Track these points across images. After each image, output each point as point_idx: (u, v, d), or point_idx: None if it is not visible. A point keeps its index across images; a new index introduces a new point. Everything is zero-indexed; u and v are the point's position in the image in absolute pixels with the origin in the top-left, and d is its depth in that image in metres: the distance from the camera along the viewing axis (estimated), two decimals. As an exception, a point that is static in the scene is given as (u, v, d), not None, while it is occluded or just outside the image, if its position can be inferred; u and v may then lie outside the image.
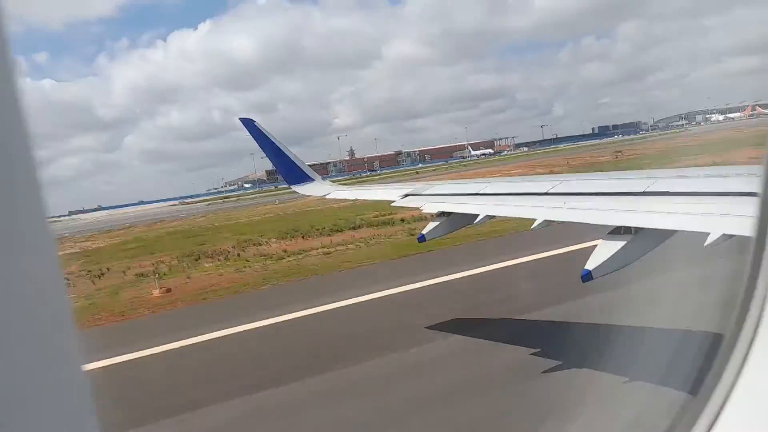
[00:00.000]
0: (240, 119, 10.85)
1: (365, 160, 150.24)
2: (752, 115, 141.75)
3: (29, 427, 0.66)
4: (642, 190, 5.56)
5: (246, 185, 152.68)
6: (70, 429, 0.72)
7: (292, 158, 10.97)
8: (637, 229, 5.31)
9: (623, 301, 7.77)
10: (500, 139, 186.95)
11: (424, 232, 8.32)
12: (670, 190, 5.30)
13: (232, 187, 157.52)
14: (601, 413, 5.41)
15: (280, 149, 10.86)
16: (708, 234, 4.39)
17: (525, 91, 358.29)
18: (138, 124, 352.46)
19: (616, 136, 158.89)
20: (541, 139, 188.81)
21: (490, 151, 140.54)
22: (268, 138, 10.74)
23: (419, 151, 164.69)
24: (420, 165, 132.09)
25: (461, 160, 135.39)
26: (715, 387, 1.19)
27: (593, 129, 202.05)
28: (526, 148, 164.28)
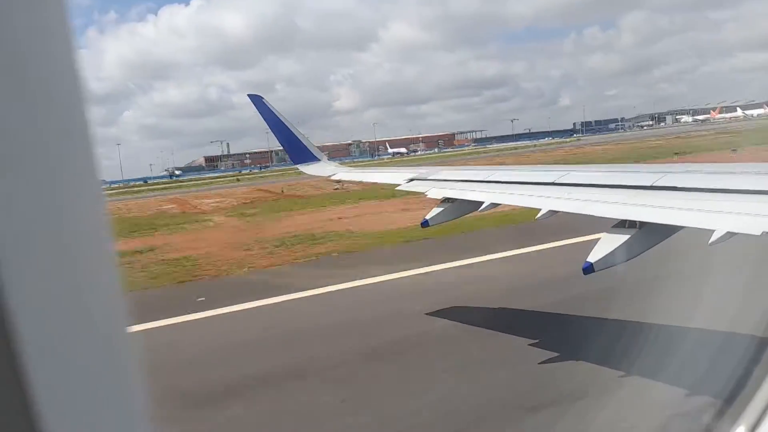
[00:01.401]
0: (248, 95, 10.80)
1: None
2: (717, 118, 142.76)
3: (74, 392, 0.66)
4: (650, 184, 5.52)
5: (177, 172, 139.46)
6: (116, 398, 0.71)
7: (299, 137, 10.96)
8: (642, 224, 5.29)
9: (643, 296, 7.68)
10: (462, 132, 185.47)
11: (427, 217, 8.31)
12: (678, 185, 5.25)
13: (162, 174, 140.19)
14: (629, 413, 5.40)
15: (287, 127, 10.84)
16: (713, 231, 4.36)
17: (529, 80, 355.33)
18: (134, 99, 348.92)
19: (576, 134, 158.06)
20: (510, 133, 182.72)
21: (404, 150, 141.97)
22: (276, 115, 10.71)
23: (369, 142, 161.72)
24: (371, 158, 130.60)
25: (371, 158, 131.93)
26: (760, 386, 1.18)
27: (574, 124, 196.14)
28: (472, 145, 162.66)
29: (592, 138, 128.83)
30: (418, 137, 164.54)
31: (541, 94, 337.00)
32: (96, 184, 0.71)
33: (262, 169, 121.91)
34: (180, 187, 78.33)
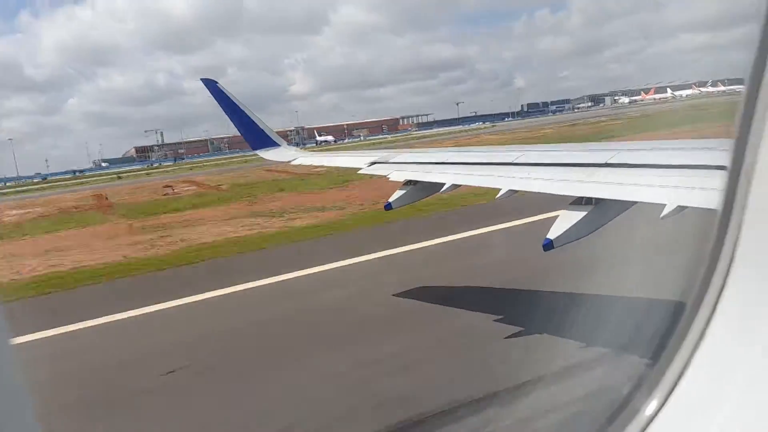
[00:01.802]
0: (201, 79, 10.43)
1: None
2: (646, 99, 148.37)
3: None
4: (604, 162, 5.68)
5: (103, 164, 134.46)
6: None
7: (257, 122, 10.70)
8: (598, 200, 5.46)
9: (584, 268, 7.95)
10: (406, 117, 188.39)
11: (390, 200, 8.31)
12: (630, 162, 5.44)
13: (87, 168, 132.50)
14: (559, 379, 5.59)
15: (244, 112, 10.54)
16: (664, 205, 4.55)
17: (484, 62, 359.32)
18: (77, 86, 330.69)
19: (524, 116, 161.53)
20: (456, 117, 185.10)
21: (331, 138, 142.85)
22: (231, 100, 10.39)
23: (305, 128, 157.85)
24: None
25: (296, 146, 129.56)
26: (675, 354, 1.24)
27: (522, 106, 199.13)
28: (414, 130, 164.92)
29: (516, 122, 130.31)
30: (358, 123, 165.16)
31: (496, 76, 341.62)
32: None
33: (177, 161, 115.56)
34: (60, 186, 67.70)
